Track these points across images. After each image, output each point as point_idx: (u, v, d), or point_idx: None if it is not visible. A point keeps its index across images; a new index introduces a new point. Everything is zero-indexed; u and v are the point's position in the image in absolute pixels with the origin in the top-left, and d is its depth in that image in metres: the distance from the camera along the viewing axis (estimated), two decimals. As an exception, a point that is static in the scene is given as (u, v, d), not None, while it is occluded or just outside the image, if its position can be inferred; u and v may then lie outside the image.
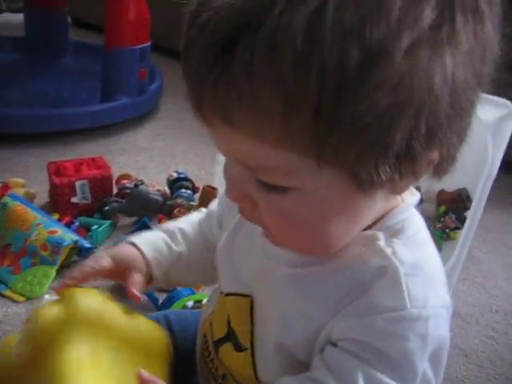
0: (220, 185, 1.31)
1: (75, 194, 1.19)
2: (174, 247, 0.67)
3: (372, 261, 0.47)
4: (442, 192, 1.35)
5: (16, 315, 0.95)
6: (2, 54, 2.22)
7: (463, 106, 0.41)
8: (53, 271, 1.01)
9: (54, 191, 1.20)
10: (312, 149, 0.39)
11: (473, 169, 1.08)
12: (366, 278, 0.47)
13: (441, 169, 0.45)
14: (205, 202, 1.25)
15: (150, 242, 0.66)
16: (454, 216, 1.29)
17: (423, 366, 0.47)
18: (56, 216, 1.15)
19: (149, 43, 1.74)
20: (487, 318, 1.12)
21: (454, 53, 0.38)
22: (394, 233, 0.48)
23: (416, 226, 0.50)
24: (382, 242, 0.47)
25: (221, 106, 0.39)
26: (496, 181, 1.33)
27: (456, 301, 1.14)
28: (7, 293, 0.99)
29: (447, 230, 1.28)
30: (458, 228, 1.24)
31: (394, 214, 0.49)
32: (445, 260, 1.11)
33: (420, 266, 0.47)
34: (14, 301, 0.98)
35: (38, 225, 1.05)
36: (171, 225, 0.70)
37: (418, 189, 1.37)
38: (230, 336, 0.58)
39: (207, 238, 0.68)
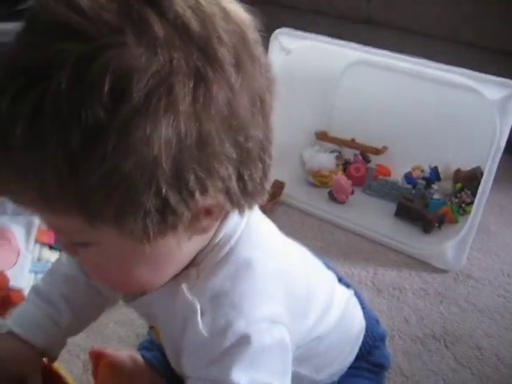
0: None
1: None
2: (63, 323, 0.67)
3: (183, 302, 0.54)
4: (458, 171, 1.47)
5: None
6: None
7: (207, 158, 0.43)
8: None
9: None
10: (75, 213, 0.43)
11: (486, 148, 1.20)
12: (185, 315, 0.54)
13: (240, 205, 0.49)
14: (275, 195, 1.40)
15: (35, 326, 0.66)
16: (469, 192, 1.40)
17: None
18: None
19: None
20: (499, 280, 1.23)
21: (173, 118, 0.41)
22: (203, 266, 0.54)
23: (229, 247, 0.54)
24: (186, 285, 0.54)
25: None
26: (511, 164, 1.45)
27: (471, 266, 1.26)
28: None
29: (463, 205, 1.40)
30: (472, 203, 1.34)
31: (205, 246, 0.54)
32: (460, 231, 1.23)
33: (222, 296, 0.53)
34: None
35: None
36: (52, 291, 0.68)
37: (435, 169, 1.50)
38: None
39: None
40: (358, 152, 1.59)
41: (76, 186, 0.41)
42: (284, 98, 1.48)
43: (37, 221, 1.16)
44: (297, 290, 0.61)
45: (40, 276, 1.06)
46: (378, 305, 1.09)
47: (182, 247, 0.51)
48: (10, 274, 1.01)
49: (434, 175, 1.48)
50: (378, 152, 1.56)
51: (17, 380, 0.65)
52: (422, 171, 1.49)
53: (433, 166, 1.49)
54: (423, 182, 1.46)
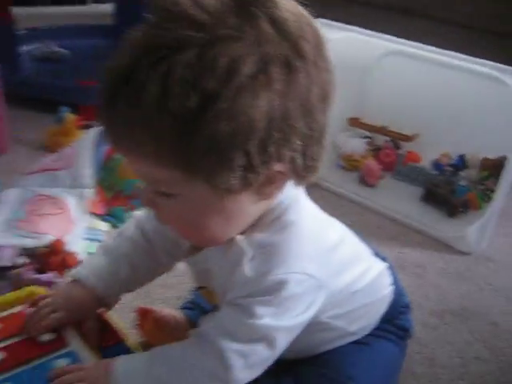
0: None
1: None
2: (122, 277, 0.77)
3: (235, 250, 0.64)
4: (485, 159, 1.53)
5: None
6: (94, 41, 2.48)
7: (287, 131, 0.55)
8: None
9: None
10: (178, 165, 0.54)
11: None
12: (235, 261, 0.64)
13: (300, 176, 0.61)
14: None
15: (98, 276, 0.76)
16: (495, 180, 1.45)
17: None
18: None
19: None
20: (519, 264, 1.30)
21: (269, 95, 0.53)
22: (256, 223, 0.65)
23: (279, 211, 0.65)
24: (237, 240, 0.64)
25: (117, 139, 0.57)
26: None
27: (491, 250, 1.33)
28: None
29: (488, 192, 1.45)
30: (497, 190, 1.39)
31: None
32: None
33: (269, 246, 0.63)
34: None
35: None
36: (116, 249, 0.79)
37: (462, 156, 1.55)
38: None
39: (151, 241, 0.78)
40: (388, 139, 1.66)
41: (186, 142, 0.53)
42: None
43: (89, 193, 1.27)
44: (338, 253, 0.72)
45: (91, 243, 1.18)
46: (401, 281, 1.16)
47: (250, 207, 0.62)
48: (65, 240, 1.12)
49: (461, 162, 1.54)
50: (408, 139, 1.62)
51: (75, 323, 0.75)
52: (450, 158, 1.55)
53: (460, 153, 1.55)
54: (450, 169, 1.53)
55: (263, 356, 0.65)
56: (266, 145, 0.54)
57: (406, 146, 1.64)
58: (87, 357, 0.72)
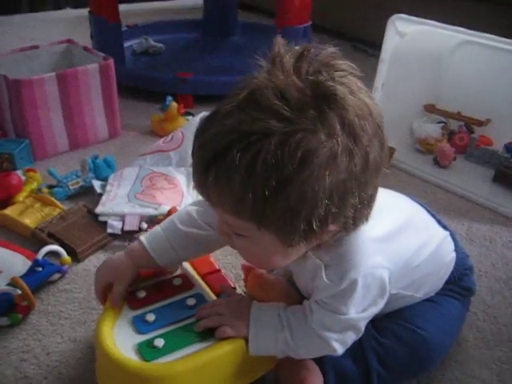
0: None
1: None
2: (180, 252, 0.92)
3: (312, 262, 0.78)
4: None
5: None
6: (186, 35, 2.68)
7: (342, 205, 0.67)
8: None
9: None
10: (254, 221, 0.67)
11: None
12: (314, 271, 0.78)
13: (348, 229, 0.72)
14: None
15: (158, 246, 0.91)
16: None
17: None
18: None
19: (310, 23, 2.13)
20: None
21: (333, 179, 0.64)
22: (320, 247, 0.76)
23: (335, 240, 0.76)
24: (312, 255, 0.78)
25: (206, 196, 0.70)
26: None
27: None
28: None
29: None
30: None
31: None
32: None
33: (336, 257, 0.76)
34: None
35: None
36: (180, 228, 0.91)
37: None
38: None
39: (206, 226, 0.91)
40: (462, 124, 1.77)
41: (262, 210, 0.66)
42: (398, 75, 1.81)
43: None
44: (396, 238, 0.84)
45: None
46: (470, 252, 1.25)
47: (305, 248, 0.76)
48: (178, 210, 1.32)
49: (532, 146, 1.63)
50: (481, 124, 1.72)
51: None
52: (521, 142, 1.65)
53: (531, 137, 1.64)
54: (521, 152, 1.62)
55: (353, 338, 0.82)
56: (325, 216, 0.66)
57: (479, 131, 1.74)
58: (210, 297, 0.92)
